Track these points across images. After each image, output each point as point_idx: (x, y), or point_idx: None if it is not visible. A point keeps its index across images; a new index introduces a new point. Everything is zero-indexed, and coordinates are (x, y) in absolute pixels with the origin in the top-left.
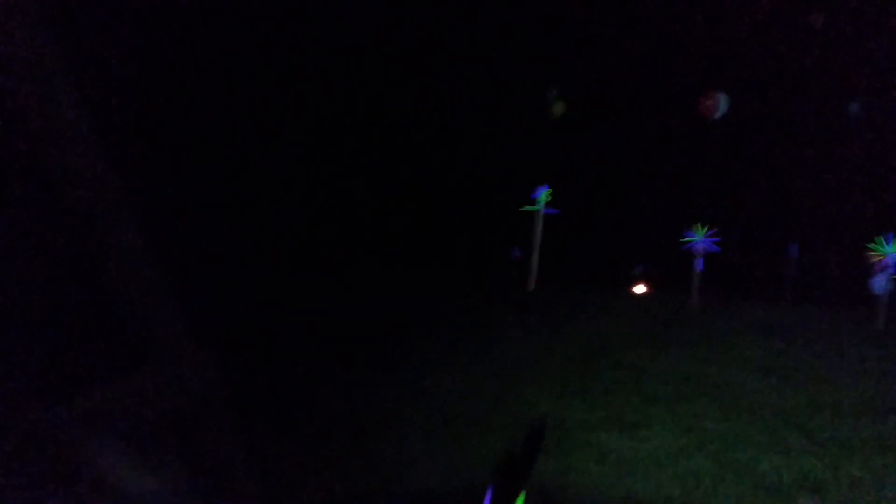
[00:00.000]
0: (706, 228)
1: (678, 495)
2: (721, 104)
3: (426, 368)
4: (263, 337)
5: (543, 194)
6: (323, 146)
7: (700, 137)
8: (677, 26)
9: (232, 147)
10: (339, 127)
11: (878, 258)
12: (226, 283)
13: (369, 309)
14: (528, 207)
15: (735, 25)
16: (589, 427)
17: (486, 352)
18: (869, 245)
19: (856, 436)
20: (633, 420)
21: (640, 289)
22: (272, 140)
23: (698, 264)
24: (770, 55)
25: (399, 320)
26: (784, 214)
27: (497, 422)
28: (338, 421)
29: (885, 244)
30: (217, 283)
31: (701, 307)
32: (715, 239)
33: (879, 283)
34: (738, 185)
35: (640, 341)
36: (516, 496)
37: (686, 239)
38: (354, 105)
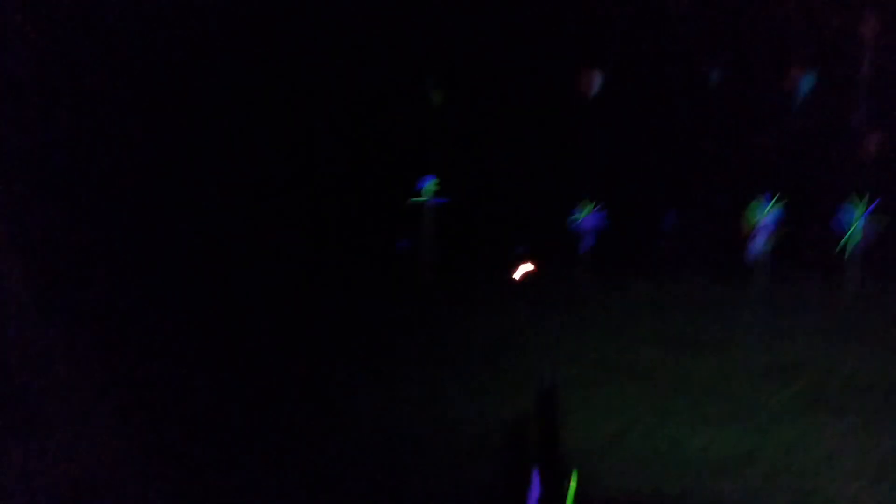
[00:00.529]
0: (592, 204)
1: (620, 486)
2: (596, 81)
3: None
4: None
5: (430, 184)
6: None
7: (580, 114)
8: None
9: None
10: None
11: (756, 220)
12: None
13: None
14: (414, 200)
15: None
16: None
17: (382, 353)
18: (747, 208)
19: (774, 399)
20: None
21: (526, 267)
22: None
23: (587, 240)
24: (644, 30)
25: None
26: (662, 184)
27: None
28: None
29: (761, 205)
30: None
31: (592, 283)
32: (601, 214)
33: (758, 246)
34: (618, 159)
35: (540, 324)
36: (565, 476)
37: (574, 217)
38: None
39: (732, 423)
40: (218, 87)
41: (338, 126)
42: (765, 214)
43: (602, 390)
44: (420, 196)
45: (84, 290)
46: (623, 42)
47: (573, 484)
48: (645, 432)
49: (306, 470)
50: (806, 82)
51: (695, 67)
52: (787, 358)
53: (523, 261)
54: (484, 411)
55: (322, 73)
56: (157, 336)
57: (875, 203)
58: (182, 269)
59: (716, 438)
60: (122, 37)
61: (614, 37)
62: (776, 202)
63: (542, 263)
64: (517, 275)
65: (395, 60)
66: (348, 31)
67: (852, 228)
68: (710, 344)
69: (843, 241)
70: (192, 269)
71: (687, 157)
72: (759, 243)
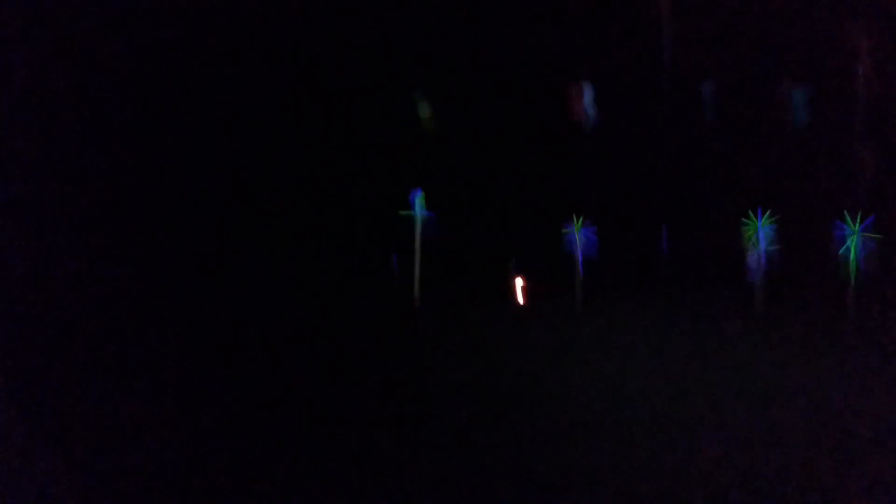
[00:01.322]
0: (582, 220)
1: None
2: (588, 103)
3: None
4: None
5: (419, 198)
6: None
7: (570, 134)
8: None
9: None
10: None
11: (751, 235)
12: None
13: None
14: (404, 214)
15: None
16: None
17: (372, 389)
18: (742, 223)
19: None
20: None
21: (519, 282)
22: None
23: (579, 258)
24: (637, 47)
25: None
26: (653, 203)
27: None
28: None
29: (755, 225)
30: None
31: (585, 303)
32: (592, 229)
33: (754, 261)
34: (611, 175)
35: (537, 348)
36: None
37: (565, 230)
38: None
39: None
40: (207, 102)
41: (328, 139)
42: (759, 232)
43: (616, 433)
44: (410, 209)
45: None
46: (617, 58)
47: None
48: None
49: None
50: (799, 99)
51: (688, 85)
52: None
53: (515, 276)
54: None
55: (312, 85)
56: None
57: (869, 221)
58: (174, 275)
59: None
60: (112, 43)
61: (608, 53)
62: (770, 219)
63: (534, 278)
64: (514, 291)
65: (385, 73)
66: (339, 44)
67: (848, 245)
68: (706, 364)
69: (839, 256)
70: (184, 277)
71: (681, 173)
72: (754, 260)
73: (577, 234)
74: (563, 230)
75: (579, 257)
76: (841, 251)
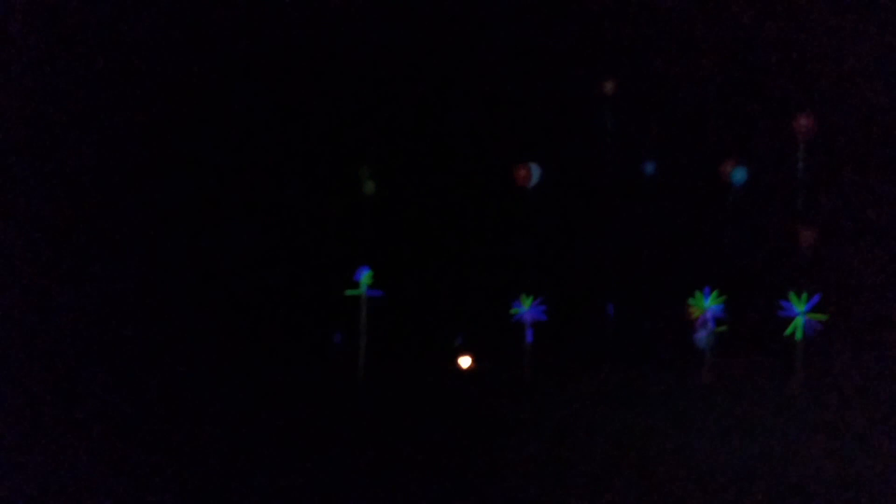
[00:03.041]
0: (532, 298)
1: None
2: (534, 174)
3: None
4: None
5: (365, 276)
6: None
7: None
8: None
9: None
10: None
11: (698, 313)
12: None
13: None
14: (351, 291)
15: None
16: None
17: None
18: (689, 301)
19: None
20: None
21: (465, 361)
22: None
23: (528, 335)
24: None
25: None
26: (600, 277)
27: None
28: None
29: (703, 299)
30: None
31: (533, 378)
32: (542, 307)
33: (701, 338)
34: (554, 251)
35: (487, 426)
36: None
37: (514, 310)
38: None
39: None
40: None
41: (274, 214)
42: (707, 307)
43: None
44: (356, 287)
45: None
46: (562, 132)
47: None
48: None
49: None
50: (739, 176)
51: (633, 161)
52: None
53: (462, 353)
54: None
55: (255, 160)
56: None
57: (815, 300)
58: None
59: None
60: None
61: (554, 126)
62: (717, 296)
63: (482, 355)
64: (459, 366)
65: (330, 148)
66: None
67: (793, 324)
68: (665, 449)
69: (786, 333)
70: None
71: (627, 250)
72: (703, 334)
73: (527, 311)
74: (512, 310)
75: (529, 334)
76: (787, 333)
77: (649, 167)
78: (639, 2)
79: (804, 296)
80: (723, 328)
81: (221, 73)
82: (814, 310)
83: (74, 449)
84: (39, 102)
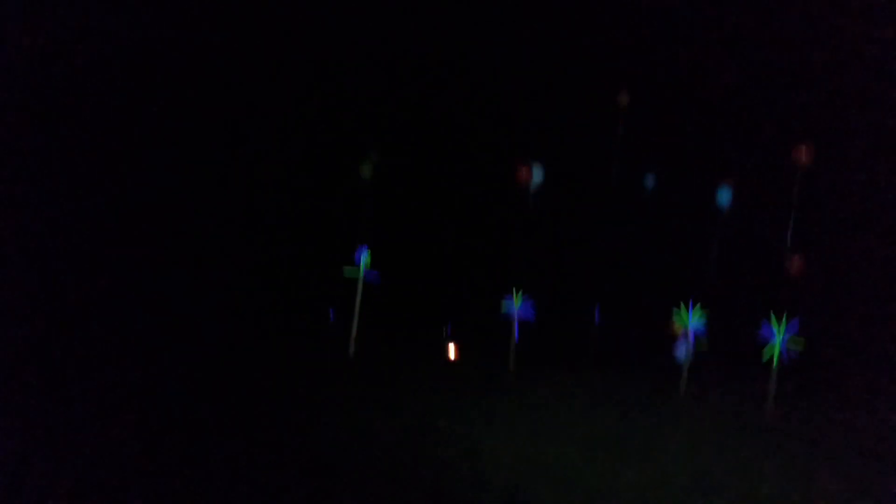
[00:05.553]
0: (522, 295)
1: None
2: (535, 174)
3: None
4: None
5: (365, 256)
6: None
7: (516, 205)
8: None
9: None
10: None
11: (680, 327)
12: None
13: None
14: (349, 271)
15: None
16: None
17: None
18: (672, 314)
19: None
20: None
21: (451, 351)
22: None
23: (515, 331)
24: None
25: None
26: (588, 280)
27: None
28: None
29: (686, 313)
30: None
31: (517, 373)
32: (531, 304)
33: (681, 351)
34: (548, 251)
35: (467, 413)
36: None
37: (505, 305)
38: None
39: None
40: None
41: (275, 193)
42: (688, 323)
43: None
44: (355, 267)
45: None
46: (562, 136)
47: None
48: None
49: None
50: (724, 197)
51: (629, 172)
52: (711, 477)
53: (449, 341)
54: None
55: (260, 141)
56: None
57: (793, 325)
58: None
59: None
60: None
61: (554, 129)
62: (701, 311)
63: (469, 346)
64: (447, 354)
65: (335, 132)
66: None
67: (769, 350)
68: (635, 450)
69: (764, 356)
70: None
71: (620, 258)
72: (683, 347)
73: (517, 306)
74: (503, 301)
75: (516, 327)
76: (764, 359)
77: (649, 180)
78: (645, 8)
79: (784, 320)
80: (702, 345)
81: (223, 59)
82: (792, 335)
83: (74, 449)
84: (39, 102)
